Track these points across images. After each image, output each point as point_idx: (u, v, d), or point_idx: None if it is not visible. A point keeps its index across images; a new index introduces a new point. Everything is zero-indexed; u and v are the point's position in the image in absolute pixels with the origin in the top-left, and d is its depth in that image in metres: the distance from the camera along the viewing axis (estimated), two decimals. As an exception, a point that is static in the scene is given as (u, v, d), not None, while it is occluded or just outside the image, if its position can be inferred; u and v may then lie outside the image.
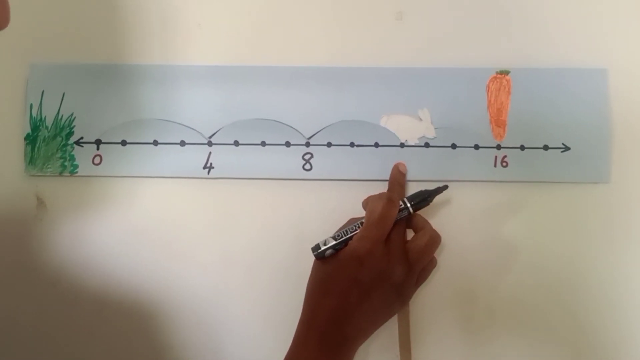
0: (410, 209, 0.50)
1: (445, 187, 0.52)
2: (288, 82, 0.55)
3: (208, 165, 0.55)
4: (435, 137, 0.55)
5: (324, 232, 0.54)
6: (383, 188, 0.55)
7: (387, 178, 0.55)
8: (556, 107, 0.55)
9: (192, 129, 0.55)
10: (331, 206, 0.55)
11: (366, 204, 0.52)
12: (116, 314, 0.54)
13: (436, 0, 0.56)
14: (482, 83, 0.56)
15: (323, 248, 0.49)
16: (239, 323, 0.55)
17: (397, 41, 0.56)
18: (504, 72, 0.56)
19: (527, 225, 0.55)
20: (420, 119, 0.55)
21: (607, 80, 0.55)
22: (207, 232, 0.55)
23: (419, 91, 0.55)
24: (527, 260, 0.55)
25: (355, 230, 0.49)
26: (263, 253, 0.55)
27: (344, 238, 0.49)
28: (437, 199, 0.54)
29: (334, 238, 0.49)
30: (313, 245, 0.50)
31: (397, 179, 0.54)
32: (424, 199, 0.51)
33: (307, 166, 0.55)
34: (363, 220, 0.50)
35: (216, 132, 0.55)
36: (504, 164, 0.55)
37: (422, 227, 0.51)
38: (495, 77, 0.56)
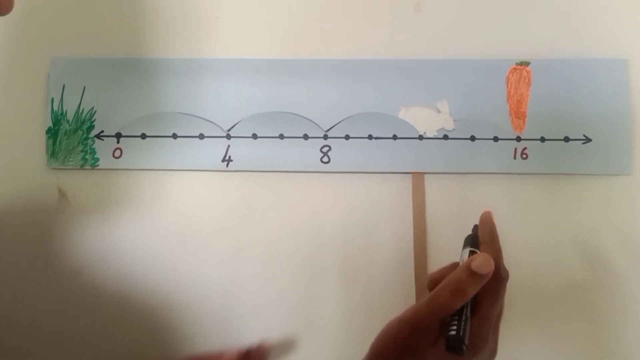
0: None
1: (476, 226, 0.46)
2: (306, 75, 0.55)
3: (227, 158, 0.55)
4: (454, 129, 0.55)
5: (343, 225, 0.55)
6: (401, 180, 0.55)
7: (406, 170, 0.55)
8: (577, 98, 0.55)
9: (211, 122, 0.55)
10: (349, 199, 0.55)
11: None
12: (136, 305, 0.55)
13: (455, -9, 0.56)
14: (501, 74, 0.55)
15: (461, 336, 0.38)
16: (256, 315, 0.55)
17: (416, 32, 0.56)
18: (524, 63, 0.55)
19: (547, 217, 0.55)
20: (439, 111, 0.55)
21: (628, 71, 0.55)
22: (226, 224, 0.55)
23: (438, 83, 0.55)
24: (547, 253, 0.54)
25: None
26: (281, 246, 0.55)
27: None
28: (457, 192, 0.54)
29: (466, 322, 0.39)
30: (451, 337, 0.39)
31: (496, 242, 0.43)
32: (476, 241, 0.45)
33: (325, 159, 0.55)
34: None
35: (235, 125, 0.55)
36: (524, 156, 0.55)
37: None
38: (515, 68, 0.55)
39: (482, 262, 0.38)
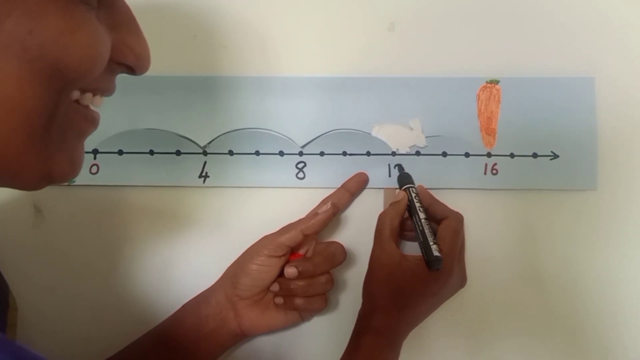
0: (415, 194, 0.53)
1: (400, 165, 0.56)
2: (281, 92, 0.56)
3: (203, 174, 0.56)
4: (426, 146, 0.56)
5: (318, 238, 0.55)
6: (374, 196, 0.56)
7: (380, 186, 0.56)
8: (545, 115, 0.56)
9: (188, 138, 0.56)
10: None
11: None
12: (112, 321, 0.55)
13: (427, 11, 0.57)
14: (472, 92, 0.57)
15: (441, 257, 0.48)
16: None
17: (389, 51, 0.57)
18: (494, 82, 0.57)
19: (517, 232, 0.56)
20: (411, 129, 0.56)
21: (594, 89, 0.56)
22: (202, 240, 0.56)
23: (411, 100, 0.56)
24: (516, 267, 0.56)
25: (431, 231, 0.50)
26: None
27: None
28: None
29: (437, 244, 0.49)
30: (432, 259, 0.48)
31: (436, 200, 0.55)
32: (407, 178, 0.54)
33: (301, 175, 0.56)
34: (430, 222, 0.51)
35: (211, 142, 0.56)
36: (494, 171, 0.56)
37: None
38: (485, 87, 0.57)
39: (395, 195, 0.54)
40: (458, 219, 0.52)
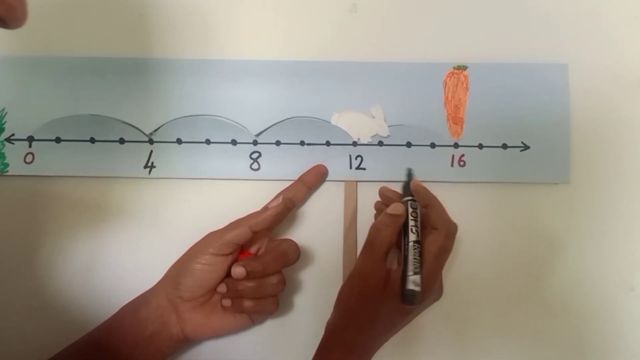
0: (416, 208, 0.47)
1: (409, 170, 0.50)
2: (234, 77, 0.53)
3: (149, 164, 0.52)
4: (389, 136, 0.52)
5: (274, 235, 0.52)
6: (336, 188, 0.52)
7: (339, 178, 0.52)
8: (515, 104, 0.53)
9: (132, 125, 0.52)
10: (280, 208, 0.52)
11: (427, 200, 0.47)
12: (45, 323, 0.51)
13: (391, -9, 0.54)
14: (439, 79, 0.53)
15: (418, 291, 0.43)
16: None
17: (350, 34, 0.54)
18: (462, 67, 0.53)
19: (485, 227, 0.53)
20: (373, 116, 0.52)
21: (568, 76, 0.53)
22: (147, 235, 0.52)
23: (373, 87, 0.53)
24: (484, 263, 0.52)
25: (418, 258, 0.44)
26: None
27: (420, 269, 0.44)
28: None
29: (416, 272, 0.43)
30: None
31: (437, 201, 0.47)
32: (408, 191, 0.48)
33: (255, 165, 0.52)
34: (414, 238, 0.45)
35: (158, 129, 0.52)
36: (462, 163, 0.53)
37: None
38: (452, 73, 0.53)
39: (395, 207, 0.45)
40: (448, 233, 0.45)
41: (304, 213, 0.53)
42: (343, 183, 0.53)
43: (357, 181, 0.52)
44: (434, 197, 0.47)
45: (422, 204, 0.47)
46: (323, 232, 0.52)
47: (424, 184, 0.47)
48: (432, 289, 0.45)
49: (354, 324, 0.44)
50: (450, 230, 0.46)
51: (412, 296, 0.43)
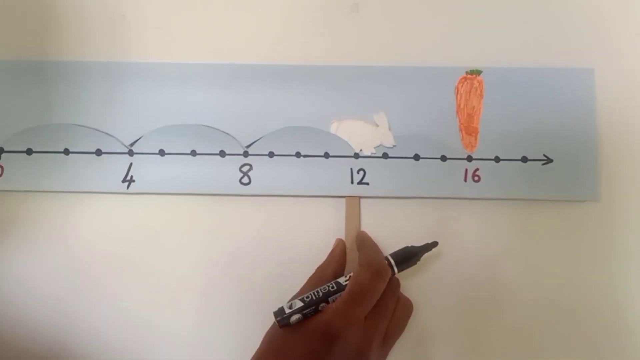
0: (395, 271, 0.42)
1: (435, 244, 0.44)
2: (224, 82, 0.48)
3: (128, 178, 0.47)
4: (394, 146, 0.47)
5: (265, 256, 0.47)
6: (334, 205, 0.47)
7: (339, 194, 0.47)
8: (536, 112, 0.48)
9: (110, 135, 0.47)
10: (273, 226, 0.47)
11: (359, 244, 0.44)
12: (17, 349, 0.46)
13: (396, -11, 0.49)
14: (450, 85, 0.48)
15: (288, 312, 0.39)
16: (161, 351, 0.46)
17: (352, 36, 0.49)
18: (475, 72, 0.48)
19: (502, 248, 0.47)
20: (377, 125, 0.47)
21: (594, 82, 0.48)
22: (126, 257, 0.47)
23: (376, 93, 0.48)
24: (503, 288, 0.47)
25: (331, 292, 0.40)
26: (192, 280, 0.47)
27: (316, 301, 0.40)
28: (399, 219, 0.47)
29: (302, 301, 0.39)
30: (277, 309, 0.40)
31: (369, 242, 0.45)
32: (410, 258, 0.43)
33: (245, 179, 0.47)
34: (343, 280, 0.41)
35: (138, 140, 0.47)
36: (476, 178, 0.47)
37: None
38: (465, 78, 0.48)
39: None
40: (377, 272, 0.40)
41: (300, 233, 0.47)
42: (344, 199, 0.47)
43: (359, 197, 0.47)
44: (369, 240, 0.45)
45: (357, 247, 0.44)
46: (322, 252, 0.46)
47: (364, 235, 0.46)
48: (340, 331, 0.38)
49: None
50: (379, 271, 0.40)
51: (278, 311, 0.39)
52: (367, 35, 0.49)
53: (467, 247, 0.47)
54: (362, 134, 0.47)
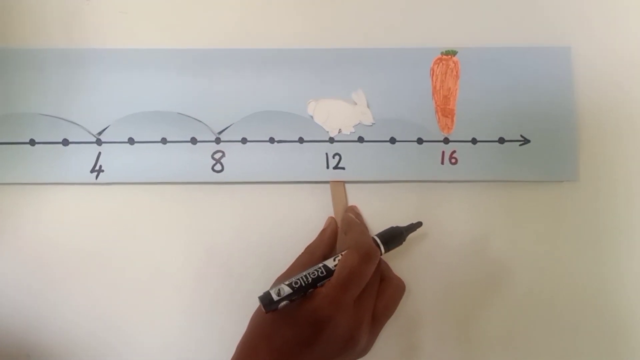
0: (383, 251, 0.41)
1: (420, 224, 0.43)
2: (194, 68, 0.47)
3: (97, 168, 0.46)
4: (373, 124, 0.46)
5: (240, 246, 0.46)
6: (309, 191, 0.46)
7: (315, 179, 0.46)
8: (512, 93, 0.47)
9: (77, 124, 0.46)
10: (247, 214, 0.46)
11: (346, 228, 0.43)
12: None
13: (369, -31, 0.48)
14: (425, 66, 0.47)
15: (276, 299, 0.37)
16: (135, 347, 0.45)
17: (326, 18, 0.48)
18: (451, 53, 0.47)
19: (481, 231, 0.47)
20: (355, 103, 0.46)
21: (571, 61, 0.47)
22: (95, 250, 0.46)
23: (351, 76, 0.47)
24: (480, 270, 0.46)
25: (320, 277, 0.39)
26: (166, 271, 0.46)
27: (304, 287, 0.38)
28: (375, 202, 0.46)
29: (291, 287, 0.38)
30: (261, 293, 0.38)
31: (356, 225, 0.43)
32: (396, 237, 0.42)
33: (218, 167, 0.46)
34: (331, 264, 0.39)
35: (106, 128, 0.46)
36: (453, 160, 0.46)
37: (385, 276, 0.42)
38: (440, 59, 0.47)
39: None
40: (366, 255, 0.39)
41: (276, 220, 0.46)
42: (322, 185, 0.47)
43: (344, 182, 0.46)
44: (356, 223, 0.43)
45: (343, 231, 0.44)
46: (299, 239, 0.45)
47: (357, 212, 0.46)
48: (330, 317, 0.37)
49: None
50: (368, 254, 0.39)
51: (265, 297, 0.37)
52: (341, 18, 0.48)
53: (447, 230, 0.47)
54: (340, 112, 0.46)
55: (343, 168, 0.46)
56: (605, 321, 0.46)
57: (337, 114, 0.46)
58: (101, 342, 0.45)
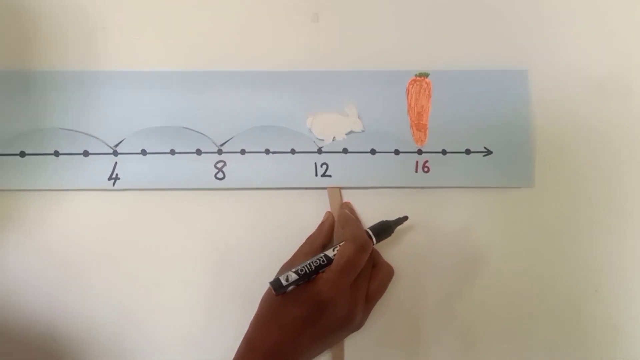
0: (374, 241, 0.49)
1: (406, 218, 0.51)
2: (199, 87, 0.53)
3: (114, 176, 0.52)
4: (363, 131, 0.53)
5: (240, 244, 0.52)
6: (300, 196, 0.53)
7: (305, 185, 0.52)
8: (477, 109, 0.54)
9: (96, 137, 0.52)
10: (247, 217, 0.52)
11: (343, 222, 0.49)
12: (15, 337, 0.50)
13: (353, 0, 0.54)
14: (401, 86, 0.54)
15: (285, 284, 0.45)
16: (150, 345, 0.51)
17: (313, 43, 0.54)
18: (424, 75, 0.54)
19: (450, 232, 0.53)
20: (347, 115, 0.53)
21: (528, 82, 0.54)
22: (113, 248, 0.52)
23: (337, 96, 0.53)
24: (449, 268, 0.53)
25: (322, 265, 0.46)
26: (174, 269, 0.52)
27: (309, 274, 0.46)
28: (357, 207, 0.52)
29: (297, 273, 0.45)
30: (272, 278, 0.46)
31: (352, 220, 0.50)
32: (386, 230, 0.50)
33: (220, 175, 0.52)
34: (331, 253, 0.47)
35: (122, 141, 0.52)
36: (426, 169, 0.53)
37: (376, 262, 0.50)
38: (414, 80, 0.54)
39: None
40: (361, 247, 0.46)
41: (272, 222, 0.53)
42: (311, 190, 0.53)
43: (340, 188, 0.53)
44: (352, 219, 0.49)
45: (340, 225, 0.50)
46: (294, 238, 0.51)
47: (350, 210, 0.52)
48: (330, 298, 0.45)
49: (260, 324, 0.47)
50: (363, 245, 0.46)
51: (275, 282, 0.45)
52: (326, 43, 0.54)
53: (417, 231, 0.53)
54: (334, 124, 0.53)
55: (330, 176, 0.53)
56: (556, 305, 0.53)
57: (332, 125, 0.53)
58: (118, 328, 0.51)
